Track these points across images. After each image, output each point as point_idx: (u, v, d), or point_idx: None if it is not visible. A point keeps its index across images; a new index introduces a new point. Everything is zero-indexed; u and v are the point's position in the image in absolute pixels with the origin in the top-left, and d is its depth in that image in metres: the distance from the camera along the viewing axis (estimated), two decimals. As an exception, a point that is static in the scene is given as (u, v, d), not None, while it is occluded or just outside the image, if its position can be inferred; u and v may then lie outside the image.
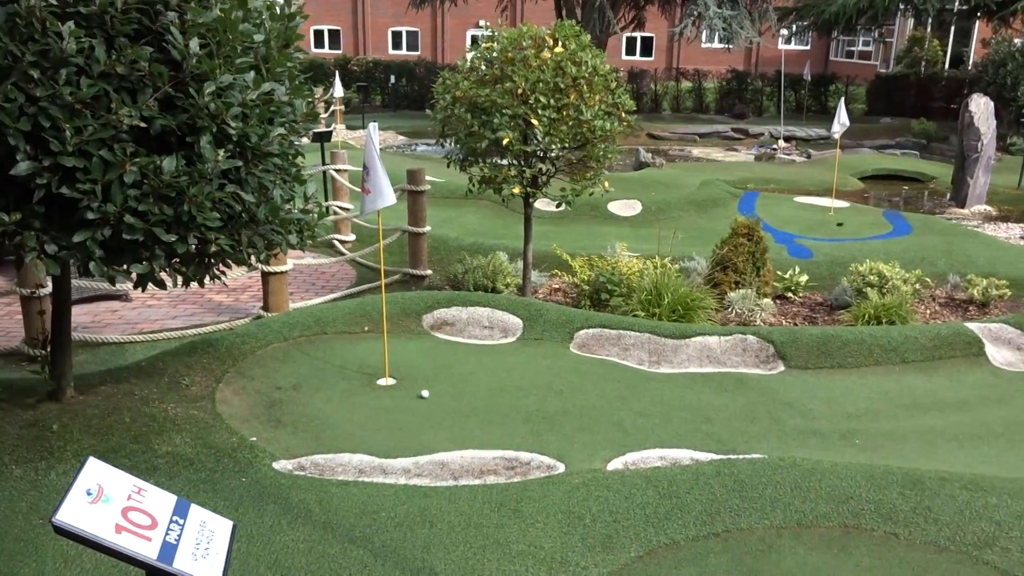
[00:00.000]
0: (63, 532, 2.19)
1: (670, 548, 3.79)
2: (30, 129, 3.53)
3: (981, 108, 14.08)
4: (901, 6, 23.07)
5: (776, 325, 7.57)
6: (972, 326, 6.89)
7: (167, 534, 2.39)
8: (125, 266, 4.02)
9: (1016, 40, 20.65)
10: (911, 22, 28.57)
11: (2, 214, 3.65)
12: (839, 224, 11.69)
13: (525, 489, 4.20)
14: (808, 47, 35.06)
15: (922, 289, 8.55)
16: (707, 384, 6.02)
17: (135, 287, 4.18)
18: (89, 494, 2.32)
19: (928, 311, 8.21)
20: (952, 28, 27.33)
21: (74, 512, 2.23)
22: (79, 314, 7.52)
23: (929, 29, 28.01)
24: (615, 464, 4.66)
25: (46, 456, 4.36)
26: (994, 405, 5.83)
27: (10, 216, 3.67)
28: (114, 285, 4.36)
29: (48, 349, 4.92)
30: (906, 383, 6.14)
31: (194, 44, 3.78)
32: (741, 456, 4.64)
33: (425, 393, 5.56)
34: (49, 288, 6.04)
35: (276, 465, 4.47)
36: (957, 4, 22.91)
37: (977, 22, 25.74)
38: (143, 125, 3.74)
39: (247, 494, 4.15)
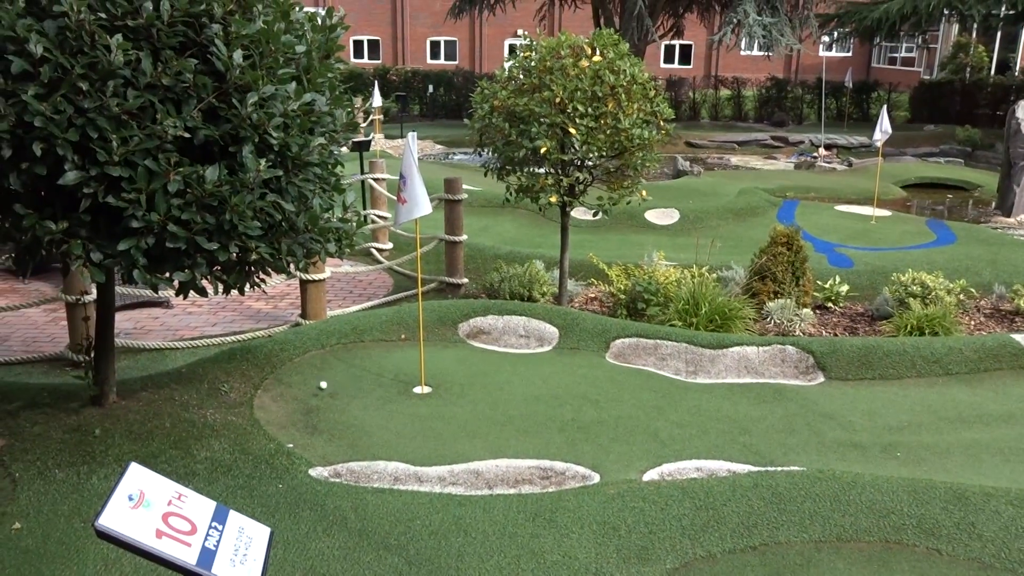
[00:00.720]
0: (105, 536, 2.23)
1: (706, 561, 3.75)
2: (78, 140, 3.62)
3: (1029, 115, 13.77)
4: (946, 12, 22.63)
5: (816, 335, 7.47)
6: (1018, 337, 6.73)
7: (206, 540, 2.42)
8: (168, 274, 4.10)
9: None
10: (956, 28, 28.06)
11: (50, 223, 3.75)
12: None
13: (560, 499, 4.19)
14: (850, 54, 34.63)
15: (966, 300, 8.37)
16: (745, 395, 5.96)
17: (177, 294, 4.25)
18: (131, 499, 2.36)
19: (973, 322, 8.04)
20: (999, 33, 26.78)
21: (116, 517, 2.27)
22: (122, 320, 7.67)
23: (974, 34, 27.48)
24: (651, 475, 4.62)
25: (88, 460, 4.45)
26: (1042, 420, 5.68)
27: (57, 225, 3.77)
28: (157, 292, 4.44)
29: (91, 355, 5.02)
30: (950, 395, 6.02)
31: (237, 55, 3.85)
32: (779, 468, 4.58)
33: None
34: (93, 295, 6.18)
35: (312, 472, 4.51)
36: (1004, 9, 22.43)
37: (1024, 27, 25.22)
38: (187, 135, 3.82)
39: (283, 500, 4.20)
